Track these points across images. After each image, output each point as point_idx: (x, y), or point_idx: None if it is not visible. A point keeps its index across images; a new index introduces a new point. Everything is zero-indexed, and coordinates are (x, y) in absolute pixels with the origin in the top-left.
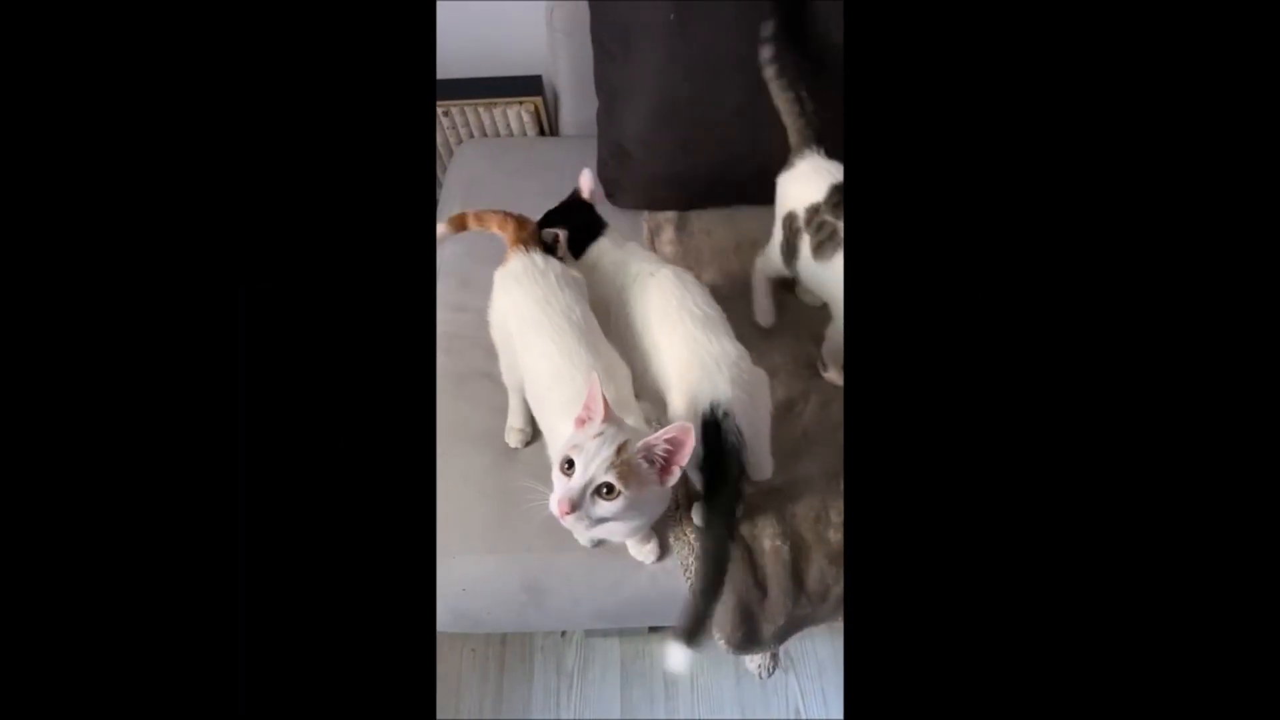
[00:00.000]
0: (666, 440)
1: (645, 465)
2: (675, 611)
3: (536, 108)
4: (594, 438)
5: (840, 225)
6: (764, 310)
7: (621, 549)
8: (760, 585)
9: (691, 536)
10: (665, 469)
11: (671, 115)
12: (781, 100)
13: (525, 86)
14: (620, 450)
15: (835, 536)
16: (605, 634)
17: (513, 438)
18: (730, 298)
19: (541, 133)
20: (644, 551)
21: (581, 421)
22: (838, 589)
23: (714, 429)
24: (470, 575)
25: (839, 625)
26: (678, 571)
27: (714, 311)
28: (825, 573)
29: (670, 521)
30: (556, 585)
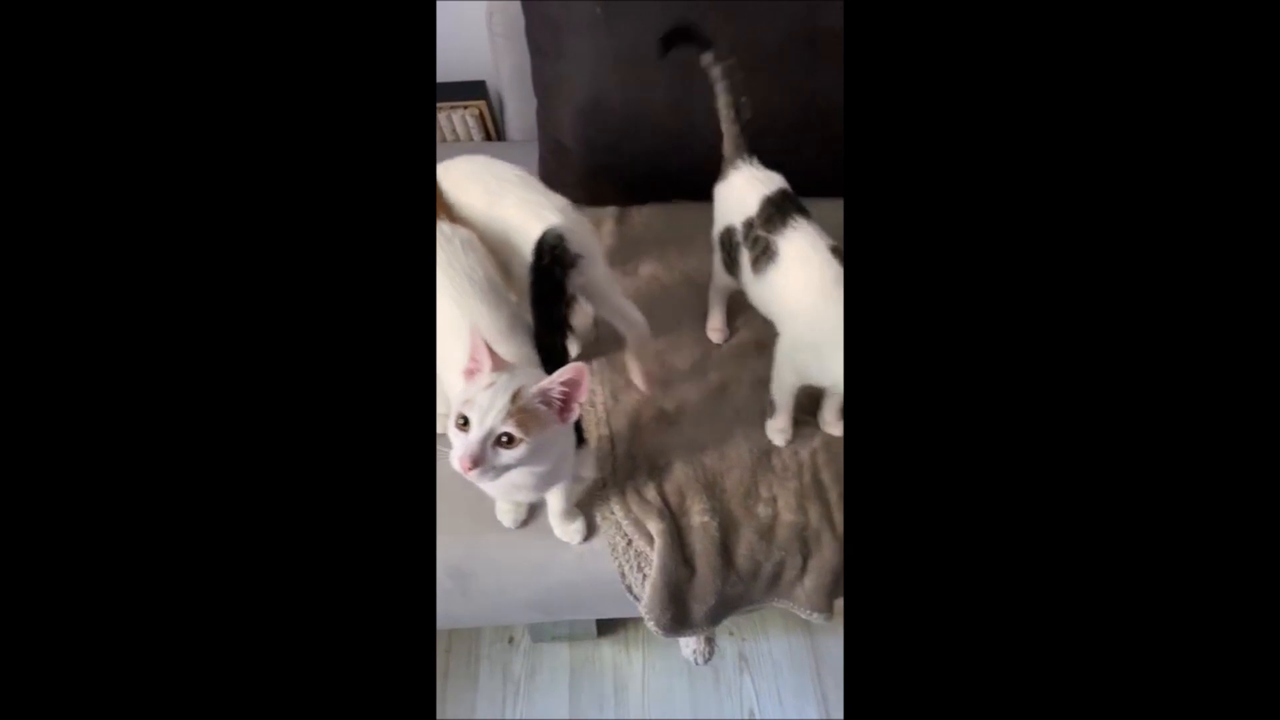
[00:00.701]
0: (562, 382)
1: (543, 408)
2: (606, 598)
3: (481, 112)
4: (486, 389)
5: (773, 239)
6: (716, 328)
7: (547, 530)
8: (688, 563)
9: (620, 515)
10: (564, 408)
11: (604, 109)
12: (723, 103)
13: (470, 91)
14: (515, 397)
15: (765, 511)
16: (553, 638)
17: (439, 423)
18: (669, 287)
19: (488, 137)
20: (569, 531)
21: (470, 373)
22: (769, 565)
23: (541, 247)
24: None
25: (794, 623)
26: (606, 553)
27: (524, 171)
28: (755, 548)
29: (597, 500)
30: (482, 569)
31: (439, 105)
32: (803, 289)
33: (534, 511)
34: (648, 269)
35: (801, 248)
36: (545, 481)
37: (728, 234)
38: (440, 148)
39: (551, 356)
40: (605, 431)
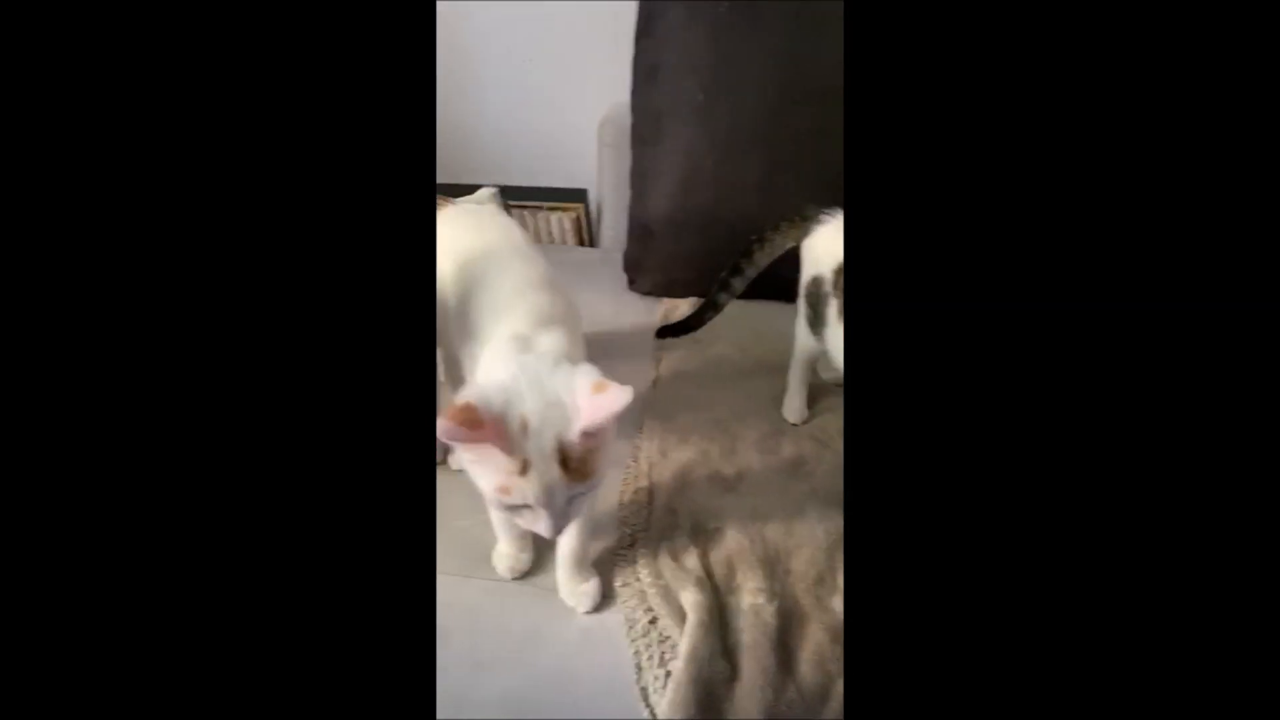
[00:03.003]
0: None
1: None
2: (610, 706)
3: (579, 216)
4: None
5: None
6: (794, 408)
7: (548, 589)
8: (729, 656)
9: (646, 582)
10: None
11: (695, 190)
12: (770, 247)
13: (572, 196)
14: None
15: (842, 607)
16: None
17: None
18: (741, 368)
19: (580, 242)
20: (578, 593)
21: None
22: (842, 686)
23: None
24: None
25: None
26: (621, 632)
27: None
28: (826, 654)
29: (620, 561)
30: (459, 627)
31: (541, 205)
32: None
33: (539, 560)
34: (718, 349)
35: None
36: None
37: (815, 284)
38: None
39: None
40: (644, 484)
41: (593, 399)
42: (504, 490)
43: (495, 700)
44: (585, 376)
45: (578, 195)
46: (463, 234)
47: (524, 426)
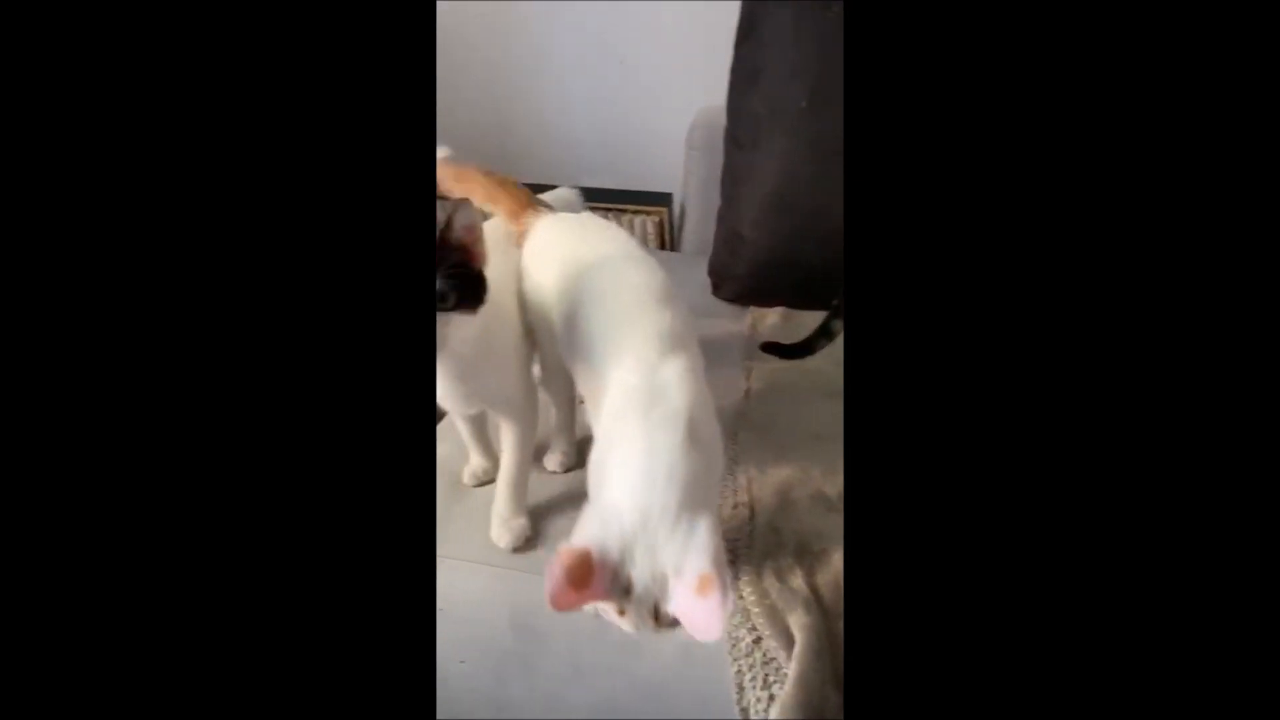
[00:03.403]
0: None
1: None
2: (703, 715)
3: (662, 220)
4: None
5: None
6: None
7: None
8: (840, 687)
9: (751, 600)
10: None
11: (791, 196)
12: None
13: (656, 200)
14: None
15: None
16: None
17: None
18: (833, 379)
19: (662, 246)
20: None
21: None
22: None
23: None
24: (449, 592)
25: None
26: (722, 649)
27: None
28: None
29: None
30: (556, 630)
31: (625, 208)
32: None
33: None
34: (813, 362)
35: None
36: None
37: None
38: None
39: None
40: (744, 499)
41: (693, 602)
42: (601, 610)
43: (591, 705)
44: (694, 567)
45: (662, 199)
46: (565, 242)
47: (629, 587)
